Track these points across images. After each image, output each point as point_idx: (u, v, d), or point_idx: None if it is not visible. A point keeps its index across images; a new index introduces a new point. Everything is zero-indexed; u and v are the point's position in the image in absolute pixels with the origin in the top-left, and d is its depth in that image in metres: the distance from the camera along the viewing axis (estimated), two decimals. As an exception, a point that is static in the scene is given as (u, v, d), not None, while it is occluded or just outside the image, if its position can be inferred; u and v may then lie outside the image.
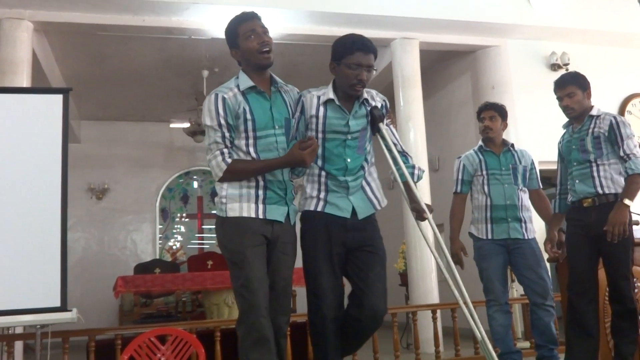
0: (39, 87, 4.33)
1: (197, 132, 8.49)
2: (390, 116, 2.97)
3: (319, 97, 2.76)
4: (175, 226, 10.64)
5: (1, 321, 3.46)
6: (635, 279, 3.97)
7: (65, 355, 4.41)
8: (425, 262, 6.50)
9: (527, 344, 5.44)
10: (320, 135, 2.74)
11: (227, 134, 2.57)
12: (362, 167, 2.79)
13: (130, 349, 3.76)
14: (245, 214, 2.56)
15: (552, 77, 7.18)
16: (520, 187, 3.95)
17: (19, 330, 4.50)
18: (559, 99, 3.56)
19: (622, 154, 3.33)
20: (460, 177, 3.98)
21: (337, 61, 2.71)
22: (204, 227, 10.89)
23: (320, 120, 2.73)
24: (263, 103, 2.64)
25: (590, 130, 3.45)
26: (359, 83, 2.69)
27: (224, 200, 2.59)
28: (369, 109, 2.79)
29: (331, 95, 2.75)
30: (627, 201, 3.22)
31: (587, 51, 7.59)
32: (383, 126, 2.83)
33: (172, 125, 9.93)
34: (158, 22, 6.26)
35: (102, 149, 10.08)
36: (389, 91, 6.53)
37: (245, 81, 2.63)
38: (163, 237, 10.53)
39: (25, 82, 5.68)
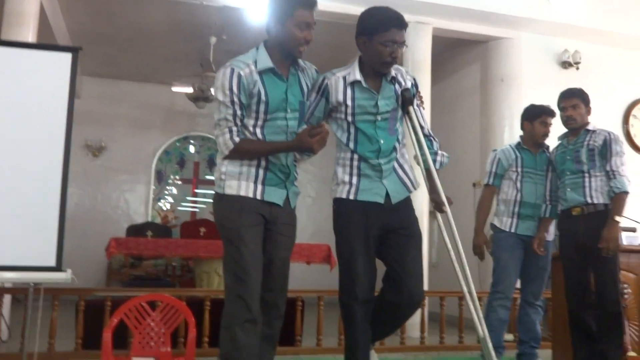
0: (48, 44, 4.25)
1: (199, 98, 8.42)
2: (419, 96, 2.89)
3: (344, 78, 2.67)
4: (168, 187, 10.60)
5: (-4, 276, 3.45)
6: (623, 284, 4.08)
7: (55, 312, 4.43)
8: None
9: (510, 337, 5.50)
10: (350, 118, 2.66)
11: (238, 112, 2.49)
12: (395, 149, 2.72)
13: (120, 312, 3.76)
14: (242, 193, 2.52)
15: (562, 75, 7.32)
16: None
17: (9, 284, 4.49)
18: (563, 109, 3.77)
19: (608, 168, 3.56)
20: (494, 169, 4.00)
21: (369, 36, 2.60)
22: (197, 191, 10.88)
23: (349, 103, 2.65)
24: (279, 85, 2.55)
25: (586, 143, 3.66)
26: (393, 61, 2.61)
27: (223, 176, 2.54)
28: (399, 90, 2.70)
29: (358, 76, 2.65)
30: (617, 218, 3.46)
31: (599, 51, 7.55)
32: (412, 108, 2.76)
33: (174, 89, 9.83)
34: (171, -16, 6.15)
35: (102, 107, 9.99)
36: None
37: (265, 60, 2.52)
38: (156, 200, 10.50)
39: (31, 35, 5.60)
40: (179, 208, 10.60)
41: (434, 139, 2.86)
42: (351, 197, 2.68)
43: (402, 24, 2.60)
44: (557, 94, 3.92)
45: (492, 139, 7.08)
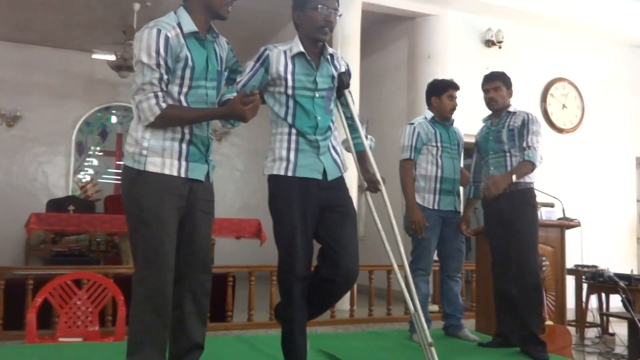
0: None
1: (122, 66, 8.12)
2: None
3: (285, 52, 2.68)
4: (88, 159, 10.20)
5: None
6: (542, 257, 4.31)
7: (-29, 292, 4.23)
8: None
9: (435, 307, 5.70)
10: (290, 91, 2.66)
11: (165, 76, 2.34)
12: (329, 128, 2.75)
13: (44, 292, 3.63)
14: (167, 171, 2.38)
15: (486, 53, 7.54)
16: (461, 162, 4.10)
17: None
18: (486, 91, 3.89)
19: (524, 144, 3.69)
20: (414, 143, 3.98)
21: (301, 8, 2.64)
22: (120, 163, 10.54)
23: (290, 76, 2.65)
24: (201, 51, 2.45)
25: (507, 124, 3.79)
26: (326, 25, 2.63)
27: (144, 152, 2.36)
28: (336, 73, 2.74)
29: (301, 47, 2.66)
30: (514, 177, 3.61)
31: (521, 31, 7.82)
32: (347, 92, 2.80)
33: (94, 56, 9.38)
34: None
35: (17, 74, 9.45)
36: (327, 49, 6.46)
37: (189, 24, 2.41)
38: (76, 172, 10.09)
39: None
40: (100, 180, 10.23)
41: (363, 124, 2.93)
42: (289, 173, 2.67)
43: None
44: (481, 71, 4.07)
45: (418, 113, 7.06)
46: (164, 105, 2.34)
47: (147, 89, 2.33)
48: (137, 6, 7.69)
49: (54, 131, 9.77)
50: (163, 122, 2.36)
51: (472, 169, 4.06)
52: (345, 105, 2.85)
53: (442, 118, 4.04)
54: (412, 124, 4.06)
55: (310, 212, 2.67)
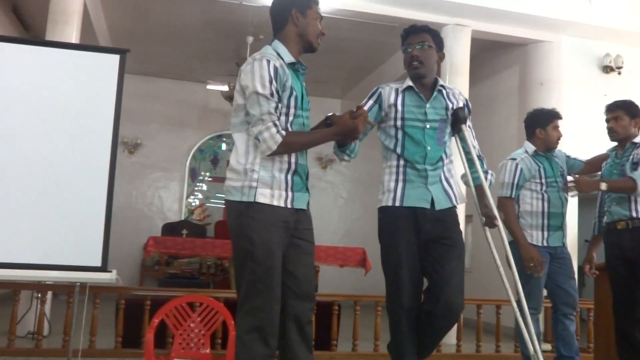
0: (98, 46, 4.35)
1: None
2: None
3: (396, 89, 2.82)
4: (199, 184, 10.67)
5: (44, 275, 3.51)
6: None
7: (96, 310, 4.50)
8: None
9: (548, 347, 5.42)
10: (399, 122, 2.75)
11: (278, 105, 2.40)
12: (441, 159, 2.77)
13: (161, 313, 3.79)
14: (275, 203, 2.40)
15: (603, 79, 7.18)
16: (566, 195, 3.88)
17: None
18: (607, 121, 3.73)
19: None
20: (516, 181, 3.77)
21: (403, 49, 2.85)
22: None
23: (399, 108, 2.76)
24: (298, 82, 2.51)
25: (631, 157, 3.58)
26: (412, 59, 2.76)
27: (254, 184, 2.38)
28: (451, 105, 2.80)
29: (410, 82, 2.79)
30: (603, 185, 3.50)
31: (643, 56, 7.40)
32: (465, 127, 2.82)
33: (208, 87, 9.89)
34: (211, -16, 6.20)
35: (139, 104, 10.09)
36: (435, 77, 6.44)
37: (287, 55, 2.48)
38: (187, 197, 10.58)
39: (75, 33, 5.70)
40: (208, 205, 10.66)
41: (483, 158, 2.94)
42: (397, 203, 2.70)
43: (415, 30, 2.86)
44: (600, 99, 3.89)
45: (530, 143, 6.97)
46: (284, 132, 2.37)
47: (266, 119, 2.36)
48: (250, 39, 8.01)
49: (170, 158, 10.34)
50: (284, 149, 2.39)
51: (598, 203, 3.85)
52: (464, 140, 2.87)
53: (547, 150, 3.85)
54: (514, 159, 3.82)
55: (416, 243, 2.67)
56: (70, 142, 3.66)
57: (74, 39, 5.64)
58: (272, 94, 2.36)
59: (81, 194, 3.63)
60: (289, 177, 2.45)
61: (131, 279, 9.20)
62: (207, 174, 10.71)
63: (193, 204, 10.57)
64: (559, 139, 3.86)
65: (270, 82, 2.36)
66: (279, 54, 2.46)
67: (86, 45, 4.57)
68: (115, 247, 8.94)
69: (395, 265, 2.67)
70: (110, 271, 3.57)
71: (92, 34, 7.08)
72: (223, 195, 2.58)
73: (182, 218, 10.02)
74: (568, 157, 4.02)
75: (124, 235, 9.37)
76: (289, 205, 2.44)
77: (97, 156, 3.67)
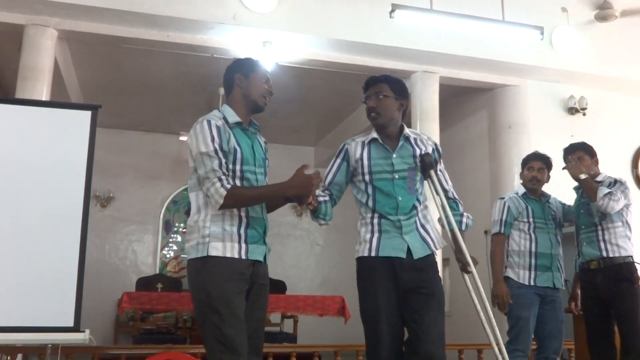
0: (69, 103, 4.35)
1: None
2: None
3: (362, 142, 2.83)
4: (173, 235, 10.53)
5: (14, 338, 3.40)
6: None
7: (68, 371, 4.36)
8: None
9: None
10: (367, 177, 2.76)
11: (223, 161, 2.48)
12: (415, 207, 2.77)
13: (137, 372, 3.71)
14: (228, 254, 2.44)
15: (569, 120, 7.36)
16: (559, 237, 3.94)
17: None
18: (568, 162, 3.82)
19: None
20: (504, 218, 3.91)
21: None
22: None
23: (366, 162, 2.77)
24: (246, 140, 2.62)
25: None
26: (369, 111, 2.81)
27: (206, 239, 2.44)
28: (419, 152, 2.80)
29: (374, 134, 2.81)
30: (583, 175, 3.63)
31: (605, 97, 7.61)
32: (435, 172, 2.84)
33: (181, 138, 9.87)
34: (182, 39, 6.26)
35: (111, 157, 10.00)
36: (406, 122, 6.49)
37: (233, 115, 2.61)
38: (162, 249, 10.42)
39: (46, 89, 5.66)
40: (183, 256, 10.49)
41: (458, 201, 2.96)
42: (372, 253, 2.70)
43: (371, 81, 2.90)
44: (566, 140, 4.00)
45: (501, 185, 7.07)
46: (228, 186, 2.44)
47: (211, 176, 2.45)
48: (221, 90, 8.05)
49: (143, 210, 10.21)
50: (232, 201, 2.44)
51: (575, 243, 3.92)
52: (434, 185, 2.88)
53: (530, 191, 3.95)
54: (503, 198, 4.03)
55: (395, 293, 2.65)
56: (40, 198, 3.62)
57: (45, 95, 5.60)
58: (215, 151, 2.47)
59: (52, 252, 3.57)
60: (242, 230, 2.50)
61: (105, 336, 8.94)
62: (182, 225, 10.58)
63: (167, 256, 10.40)
64: (531, 179, 3.95)
65: (213, 140, 2.47)
66: (224, 116, 2.58)
67: (57, 102, 4.57)
68: (88, 303, 8.72)
69: (373, 315, 2.64)
70: (83, 331, 3.48)
71: (63, 89, 7.06)
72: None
73: (157, 271, 9.84)
74: (564, 204, 4.11)
75: (97, 291, 9.12)
76: (243, 257, 2.47)
77: (69, 212, 3.63)
